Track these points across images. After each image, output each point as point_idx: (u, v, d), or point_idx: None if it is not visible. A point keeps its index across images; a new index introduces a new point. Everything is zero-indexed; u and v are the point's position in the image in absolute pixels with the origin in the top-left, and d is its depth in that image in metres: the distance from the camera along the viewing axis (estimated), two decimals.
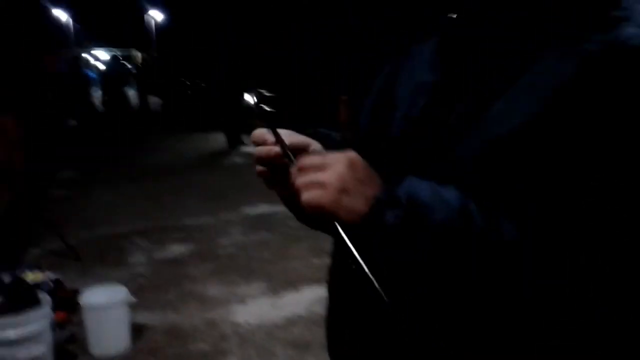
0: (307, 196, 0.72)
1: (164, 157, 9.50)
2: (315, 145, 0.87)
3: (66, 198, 6.76)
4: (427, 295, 0.76)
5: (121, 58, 14.21)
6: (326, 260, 0.98)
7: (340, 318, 0.94)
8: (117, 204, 6.34)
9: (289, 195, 0.80)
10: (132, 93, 16.97)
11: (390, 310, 0.70)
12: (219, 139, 10.55)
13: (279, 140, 0.82)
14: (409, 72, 0.92)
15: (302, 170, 0.74)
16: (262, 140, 0.84)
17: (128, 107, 13.42)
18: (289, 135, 0.84)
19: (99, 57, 36.20)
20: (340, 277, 0.93)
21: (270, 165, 0.84)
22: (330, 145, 0.93)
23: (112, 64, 13.61)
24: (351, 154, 0.74)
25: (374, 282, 0.69)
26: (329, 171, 0.72)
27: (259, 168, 0.85)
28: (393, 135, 0.87)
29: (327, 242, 0.90)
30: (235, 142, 10.13)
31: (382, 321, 0.81)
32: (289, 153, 0.80)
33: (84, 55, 38.16)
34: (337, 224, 0.72)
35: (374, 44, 8.66)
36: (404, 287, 0.74)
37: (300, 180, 0.74)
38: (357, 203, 0.71)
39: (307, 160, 0.75)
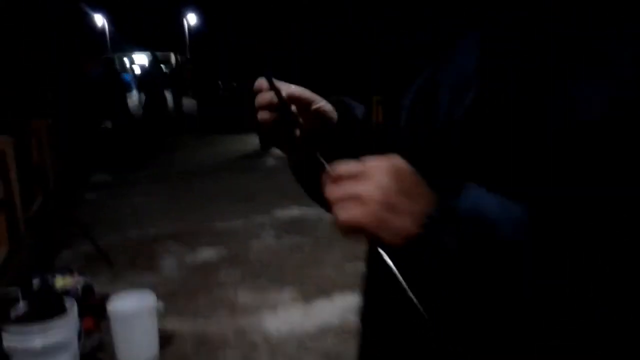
0: (343, 214, 0.60)
1: (197, 159, 9.50)
2: (322, 103, 0.84)
3: (99, 201, 6.78)
4: (463, 307, 0.66)
5: (157, 60, 14.26)
6: (359, 267, 0.86)
7: (375, 329, 0.85)
8: (148, 206, 6.33)
9: (293, 153, 0.81)
10: (167, 95, 17.11)
11: (431, 326, 0.62)
12: (252, 141, 10.51)
13: (274, 88, 0.79)
14: (452, 68, 0.81)
15: (337, 179, 0.62)
16: (261, 88, 0.81)
17: (165, 110, 13.52)
18: (294, 88, 0.82)
19: (135, 60, 36.81)
20: (376, 287, 0.83)
21: (273, 116, 0.81)
22: (351, 122, 0.90)
23: (151, 66, 13.73)
24: (396, 161, 0.62)
25: (416, 301, 0.60)
26: (369, 182, 0.60)
27: (261, 115, 0.81)
28: (438, 136, 0.76)
29: (360, 248, 0.79)
30: (267, 144, 10.06)
31: (420, 335, 0.72)
32: (285, 102, 0.78)
33: (120, 58, 38.91)
34: (380, 248, 0.61)
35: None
36: (446, 302, 0.64)
37: (334, 192, 0.62)
38: (405, 222, 0.59)
39: (342, 167, 0.63)
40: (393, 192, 0.59)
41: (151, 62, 14.12)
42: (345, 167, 0.63)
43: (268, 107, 0.80)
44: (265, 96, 0.80)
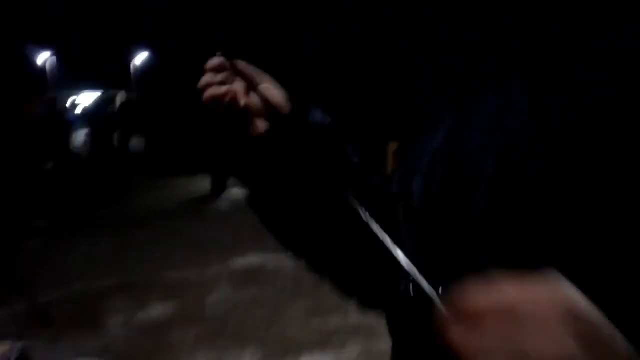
0: None
1: (147, 203, 9.07)
2: (270, 86, 0.75)
3: (40, 250, 6.30)
4: None
5: (103, 99, 13.87)
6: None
7: None
8: (94, 256, 5.90)
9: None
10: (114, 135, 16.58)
11: None
12: (204, 183, 10.16)
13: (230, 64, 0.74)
14: (481, 125, 0.62)
15: (467, 314, 0.41)
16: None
17: (112, 150, 13.06)
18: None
19: (81, 98, 35.89)
20: None
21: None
22: (308, 129, 0.78)
23: (91, 105, 13.35)
24: (570, 296, 0.40)
25: None
26: (537, 335, 0.38)
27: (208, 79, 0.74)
28: (479, 224, 0.56)
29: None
30: (221, 186, 9.75)
31: None
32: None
33: (66, 97, 37.91)
34: None
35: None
36: None
37: (468, 340, 0.40)
38: None
39: (475, 295, 0.42)
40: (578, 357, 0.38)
41: (96, 101, 13.70)
42: (481, 295, 0.41)
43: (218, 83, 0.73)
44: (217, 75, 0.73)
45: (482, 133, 0.61)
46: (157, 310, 4.33)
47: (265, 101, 0.75)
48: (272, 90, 0.75)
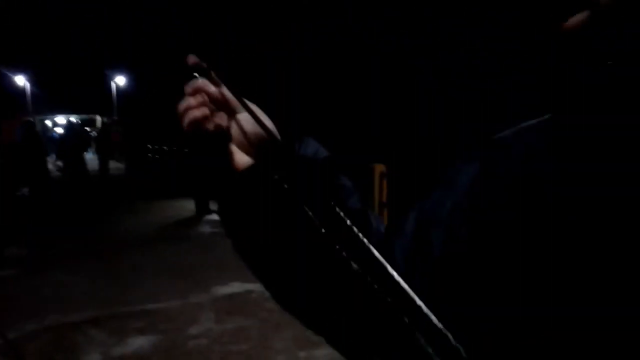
0: None
1: (126, 228, 8.84)
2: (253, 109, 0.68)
3: (13, 279, 6.04)
4: None
5: (80, 123, 13.66)
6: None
7: None
8: (70, 285, 5.66)
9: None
10: (91, 158, 16.33)
11: None
12: (186, 207, 9.96)
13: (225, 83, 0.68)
14: (505, 183, 0.61)
15: None
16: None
17: (84, 174, 12.82)
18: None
19: (59, 122, 35.51)
20: None
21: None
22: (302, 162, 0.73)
23: (68, 129, 13.14)
24: None
25: None
26: None
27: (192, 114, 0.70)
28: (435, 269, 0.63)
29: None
30: (204, 209, 9.57)
31: None
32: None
33: (45, 121, 37.47)
34: None
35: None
36: None
37: None
38: None
39: None
40: None
41: (67, 124, 13.53)
42: None
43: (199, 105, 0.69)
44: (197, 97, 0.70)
45: (506, 188, 0.58)
46: (136, 344, 4.12)
47: (244, 133, 0.70)
48: (252, 123, 0.67)
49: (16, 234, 8.06)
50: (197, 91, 0.70)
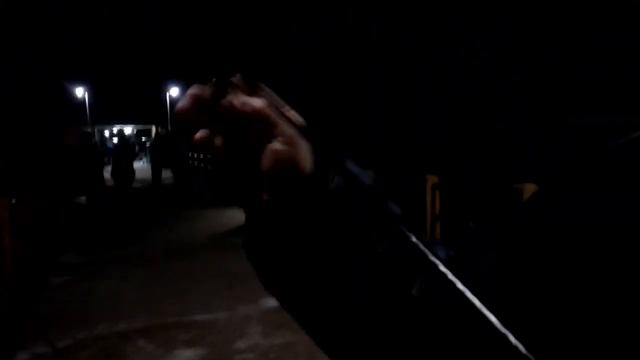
0: None
1: (176, 236, 8.89)
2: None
3: (66, 286, 6.11)
4: None
5: (134, 132, 13.99)
6: None
7: None
8: (121, 293, 5.68)
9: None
10: (145, 167, 16.68)
11: None
12: (236, 216, 9.95)
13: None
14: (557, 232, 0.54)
15: None
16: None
17: (130, 181, 13.18)
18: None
19: (117, 131, 36.63)
20: None
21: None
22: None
23: (119, 138, 13.57)
24: None
25: None
26: None
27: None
28: None
29: None
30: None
31: None
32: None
33: (104, 131, 38.76)
34: None
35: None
36: None
37: None
38: None
39: None
40: None
41: (131, 134, 13.89)
42: None
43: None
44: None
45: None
46: (184, 356, 4.04)
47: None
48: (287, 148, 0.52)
49: (72, 240, 8.22)
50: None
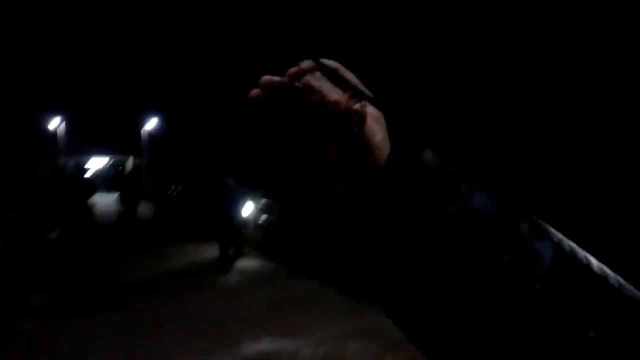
0: None
1: (151, 274, 8.56)
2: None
3: (33, 331, 5.76)
4: None
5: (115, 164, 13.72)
6: None
7: None
8: (91, 338, 5.36)
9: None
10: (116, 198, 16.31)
11: None
12: (212, 252, 9.66)
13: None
14: None
15: None
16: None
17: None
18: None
19: (91, 163, 36.07)
20: None
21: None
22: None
23: (106, 170, 13.27)
24: None
25: None
26: None
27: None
28: None
29: None
30: (231, 255, 9.27)
31: None
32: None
33: (78, 162, 38.16)
34: None
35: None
36: None
37: None
38: None
39: None
40: None
41: (106, 166, 13.56)
42: None
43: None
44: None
45: None
46: None
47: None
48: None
49: (41, 279, 7.85)
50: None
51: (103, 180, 14.35)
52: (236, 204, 9.41)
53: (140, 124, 30.96)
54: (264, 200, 10.38)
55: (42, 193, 10.05)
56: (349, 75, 0.57)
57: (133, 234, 13.17)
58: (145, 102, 28.45)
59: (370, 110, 0.56)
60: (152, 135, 29.91)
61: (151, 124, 30.52)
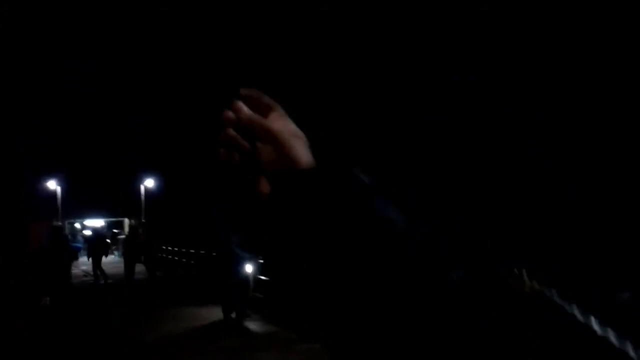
0: None
1: (147, 339, 8.25)
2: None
3: None
4: None
5: (106, 225, 13.59)
6: None
7: None
8: None
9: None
10: (117, 260, 16.10)
11: None
12: (214, 313, 9.38)
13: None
14: None
15: None
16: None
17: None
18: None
19: (88, 225, 35.87)
20: None
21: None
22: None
23: (104, 231, 13.09)
24: None
25: None
26: None
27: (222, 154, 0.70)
28: None
29: None
30: (233, 316, 9.00)
31: None
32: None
33: (74, 224, 37.93)
34: None
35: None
36: None
37: None
38: None
39: None
40: None
41: (103, 227, 13.44)
42: None
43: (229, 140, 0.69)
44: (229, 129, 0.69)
45: None
46: None
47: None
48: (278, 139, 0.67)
49: (33, 347, 7.58)
50: (232, 121, 0.69)
51: (100, 242, 14.08)
52: (240, 266, 9.22)
53: (137, 185, 30.96)
54: (260, 260, 10.19)
55: (39, 258, 9.89)
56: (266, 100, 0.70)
57: (130, 296, 12.88)
58: (142, 164, 28.55)
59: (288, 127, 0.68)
60: (148, 196, 29.87)
61: (147, 184, 30.52)
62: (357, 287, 0.60)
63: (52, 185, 30.82)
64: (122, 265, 16.32)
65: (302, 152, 0.67)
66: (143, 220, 26.73)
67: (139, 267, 15.98)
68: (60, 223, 15.19)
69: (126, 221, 32.00)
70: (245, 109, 0.68)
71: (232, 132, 0.68)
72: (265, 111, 0.69)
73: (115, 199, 32.66)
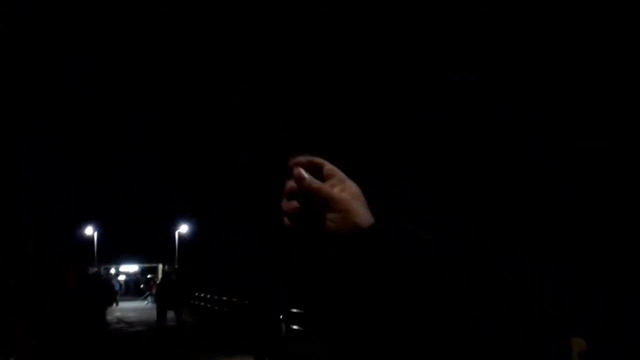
0: None
1: None
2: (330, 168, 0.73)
3: None
4: None
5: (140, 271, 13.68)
6: None
7: None
8: None
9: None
10: (150, 307, 16.11)
11: None
12: None
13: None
14: None
15: None
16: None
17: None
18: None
19: (122, 271, 36.22)
20: None
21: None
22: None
23: (138, 277, 13.18)
24: None
25: None
26: None
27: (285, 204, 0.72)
28: None
29: None
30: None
31: None
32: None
33: (110, 270, 38.33)
34: None
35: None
36: None
37: None
38: None
39: None
40: None
41: (137, 273, 13.53)
42: None
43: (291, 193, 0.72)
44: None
45: None
46: None
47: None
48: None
49: None
50: (291, 190, 0.71)
51: (134, 287, 14.20)
52: (276, 316, 9.19)
53: (172, 232, 31.27)
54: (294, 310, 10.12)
55: (74, 301, 9.97)
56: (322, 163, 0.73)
57: (162, 343, 12.85)
58: (176, 210, 28.89)
59: (349, 186, 0.71)
60: (182, 242, 30.11)
61: (182, 231, 30.81)
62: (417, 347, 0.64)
63: (89, 231, 31.38)
64: (154, 311, 16.34)
65: (363, 216, 0.69)
66: (176, 267, 26.87)
67: (171, 314, 15.97)
68: (96, 269, 15.39)
69: (160, 267, 32.25)
70: (307, 177, 0.70)
71: (295, 203, 0.70)
72: (326, 177, 0.71)
73: (149, 244, 32.98)
